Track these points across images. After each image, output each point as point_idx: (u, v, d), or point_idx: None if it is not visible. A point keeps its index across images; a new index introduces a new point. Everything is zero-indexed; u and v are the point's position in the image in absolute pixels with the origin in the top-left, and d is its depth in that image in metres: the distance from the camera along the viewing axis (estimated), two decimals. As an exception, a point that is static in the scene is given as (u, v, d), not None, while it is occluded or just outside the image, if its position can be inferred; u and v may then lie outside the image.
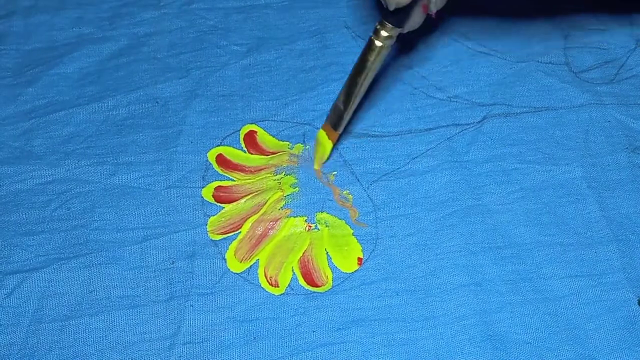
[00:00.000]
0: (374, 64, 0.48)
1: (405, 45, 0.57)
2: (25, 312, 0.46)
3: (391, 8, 0.44)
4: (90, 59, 0.57)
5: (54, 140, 0.53)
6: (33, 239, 0.49)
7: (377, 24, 0.47)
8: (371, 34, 0.47)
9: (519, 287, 0.47)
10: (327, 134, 0.51)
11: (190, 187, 0.51)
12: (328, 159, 0.52)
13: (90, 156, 0.52)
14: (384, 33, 0.46)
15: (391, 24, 0.46)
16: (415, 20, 0.47)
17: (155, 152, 0.52)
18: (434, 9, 0.48)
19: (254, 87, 0.55)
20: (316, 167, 0.52)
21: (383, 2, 0.45)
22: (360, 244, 0.49)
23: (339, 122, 0.50)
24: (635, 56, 0.56)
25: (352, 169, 0.52)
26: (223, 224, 0.50)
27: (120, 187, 0.51)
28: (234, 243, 0.49)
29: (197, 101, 0.55)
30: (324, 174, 0.52)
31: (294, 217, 0.50)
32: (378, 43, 0.47)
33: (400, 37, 0.48)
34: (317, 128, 0.53)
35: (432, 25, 0.50)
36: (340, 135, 0.52)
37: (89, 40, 0.58)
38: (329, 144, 0.51)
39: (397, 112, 0.54)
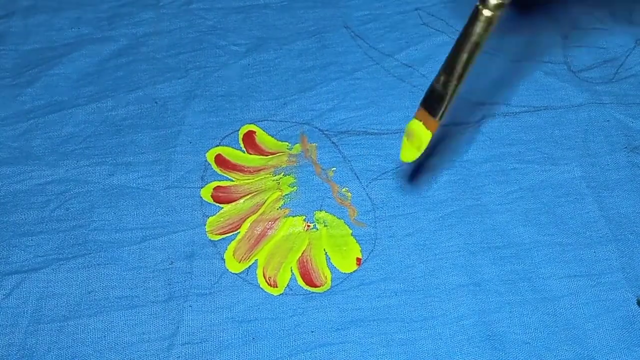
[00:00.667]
0: (481, 38, 0.39)
1: (404, 44, 0.57)
2: (24, 313, 0.46)
3: None
4: (89, 60, 0.57)
5: (52, 140, 0.53)
6: (32, 240, 0.49)
7: None
8: (477, 1, 0.38)
9: (517, 287, 0.47)
10: (423, 122, 0.42)
11: (189, 188, 0.51)
12: (424, 152, 0.43)
13: (89, 156, 0.52)
14: (492, 0, 0.38)
15: None
16: None
17: (154, 153, 0.52)
18: None
19: (253, 87, 0.55)
20: (410, 159, 0.43)
21: None
22: (359, 244, 0.49)
23: (438, 106, 0.41)
24: (634, 56, 0.56)
25: (351, 165, 0.52)
26: (222, 224, 0.49)
27: (119, 188, 0.51)
28: (233, 243, 0.49)
29: (196, 101, 0.55)
30: (323, 170, 0.52)
31: (293, 216, 0.50)
32: (487, 12, 0.38)
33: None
34: (316, 127, 0.53)
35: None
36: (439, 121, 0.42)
37: (88, 40, 0.58)
38: (426, 134, 0.42)
39: (396, 110, 0.54)
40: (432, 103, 0.42)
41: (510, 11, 0.58)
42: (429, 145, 0.42)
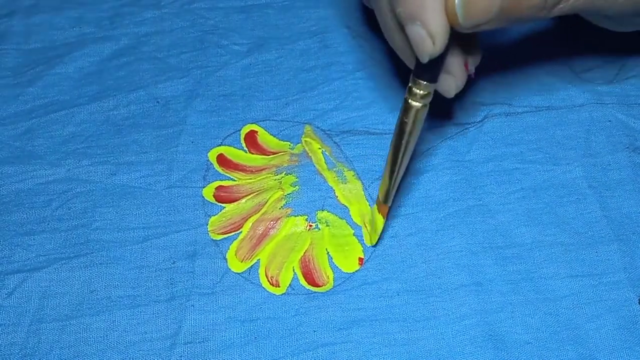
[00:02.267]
0: (413, 127, 0.42)
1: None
2: (26, 312, 0.46)
3: (424, 60, 0.38)
4: (91, 59, 0.57)
5: (54, 140, 0.53)
6: (34, 239, 0.49)
7: (410, 82, 0.41)
8: (405, 94, 0.41)
9: (519, 287, 0.47)
10: (378, 208, 0.47)
11: (191, 187, 0.51)
12: (381, 235, 0.49)
13: (91, 156, 0.52)
14: (419, 92, 0.40)
15: (425, 81, 0.40)
16: (457, 74, 0.43)
17: (156, 152, 0.52)
18: (472, 69, 0.44)
19: (254, 87, 0.55)
20: (370, 243, 0.49)
21: (412, 56, 0.40)
22: (361, 243, 0.49)
23: (387, 195, 0.46)
24: (635, 56, 0.56)
25: (352, 165, 0.52)
26: (224, 224, 0.50)
27: (121, 187, 0.51)
28: (235, 243, 0.49)
29: (198, 101, 0.55)
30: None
31: (295, 216, 0.50)
32: (415, 104, 0.41)
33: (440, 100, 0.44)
34: (318, 127, 0.53)
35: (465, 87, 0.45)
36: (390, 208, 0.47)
37: (90, 39, 0.58)
38: (379, 219, 0.47)
39: (398, 110, 0.54)
40: (382, 192, 0.46)
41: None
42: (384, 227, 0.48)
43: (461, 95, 0.53)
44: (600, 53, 0.56)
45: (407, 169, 0.50)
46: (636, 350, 0.45)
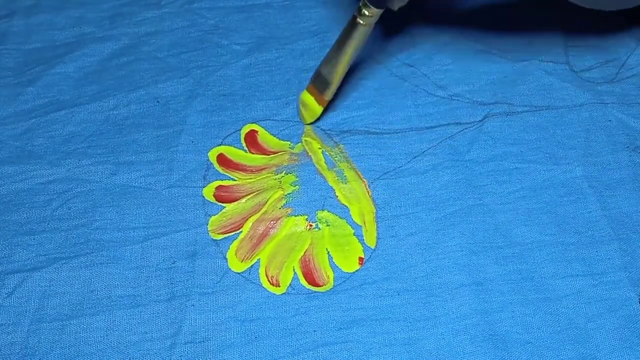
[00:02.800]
0: (357, 41, 0.49)
1: (406, 44, 0.57)
2: (26, 312, 0.46)
3: None
4: (91, 59, 0.57)
5: (54, 139, 0.53)
6: (34, 239, 0.49)
7: (359, 2, 0.48)
8: (354, 12, 0.48)
9: (520, 287, 0.47)
10: (314, 97, 0.52)
11: (191, 187, 0.51)
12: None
13: (91, 155, 0.52)
14: (365, 12, 0.48)
15: (372, 5, 0.47)
16: None
17: (156, 152, 0.52)
18: None
19: (255, 87, 0.55)
20: (308, 122, 0.54)
21: None
22: (362, 243, 0.49)
23: (326, 89, 0.52)
24: (635, 55, 0.56)
25: (353, 164, 0.52)
26: (224, 224, 0.50)
27: (121, 187, 0.51)
28: (235, 242, 0.49)
29: (198, 100, 0.55)
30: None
31: (295, 216, 0.50)
32: (360, 21, 0.48)
33: (399, 27, 0.50)
34: (318, 127, 0.53)
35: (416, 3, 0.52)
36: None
37: (90, 39, 0.58)
38: (318, 108, 0.53)
39: (398, 110, 0.54)
40: (319, 84, 0.52)
41: (511, 11, 0.58)
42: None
43: (461, 93, 0.53)
44: (600, 50, 0.56)
45: (408, 167, 0.50)
46: (636, 349, 0.45)
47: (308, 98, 0.52)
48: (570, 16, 0.58)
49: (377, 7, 0.47)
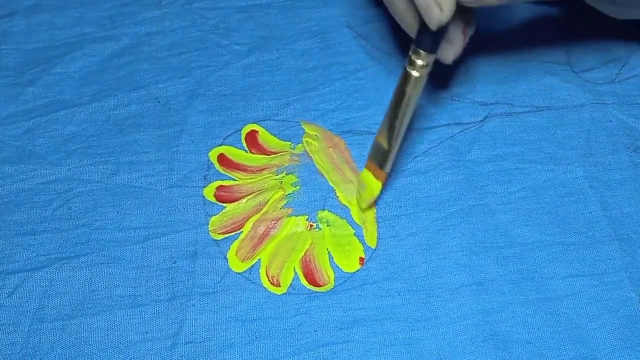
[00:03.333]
0: (412, 96, 0.44)
1: (407, 44, 0.57)
2: (26, 312, 0.46)
3: (433, 27, 0.40)
4: (92, 59, 0.57)
5: (55, 139, 0.53)
6: (34, 239, 0.49)
7: (410, 52, 0.43)
8: (406, 64, 0.43)
9: (520, 287, 0.47)
10: (373, 173, 0.48)
11: (191, 187, 0.51)
12: (377, 200, 0.50)
13: (91, 155, 0.52)
14: (419, 62, 0.43)
15: (426, 51, 0.42)
16: (455, 43, 0.45)
17: (156, 152, 0.52)
18: (470, 32, 0.46)
19: (255, 87, 0.55)
20: (364, 207, 0.50)
21: (416, 22, 0.42)
22: (362, 243, 0.49)
23: (385, 160, 0.47)
24: (636, 56, 0.56)
25: (353, 165, 0.52)
26: (225, 224, 0.50)
27: (122, 187, 0.51)
28: (236, 242, 0.49)
29: (199, 101, 0.55)
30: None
31: (295, 216, 0.50)
32: (415, 73, 0.43)
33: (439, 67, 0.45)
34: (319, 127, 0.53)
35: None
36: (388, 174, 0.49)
37: (91, 39, 0.58)
38: (377, 185, 0.48)
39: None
40: (378, 157, 0.47)
41: (512, 11, 0.58)
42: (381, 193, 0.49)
43: (461, 94, 0.53)
44: (601, 50, 0.56)
45: (408, 168, 0.50)
46: (637, 349, 0.45)
47: (366, 176, 0.48)
48: (571, 16, 0.58)
49: (430, 51, 0.42)
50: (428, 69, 0.43)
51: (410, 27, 0.45)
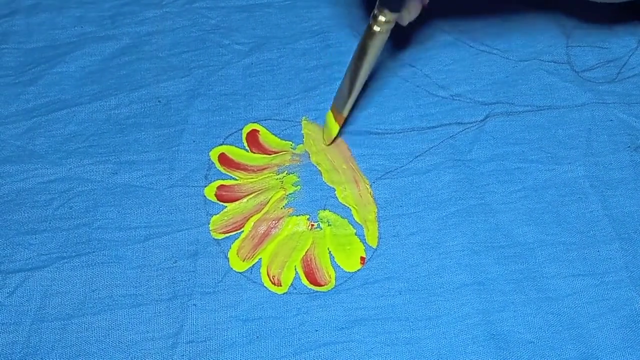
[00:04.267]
0: (373, 49, 0.47)
1: (407, 43, 0.57)
2: (27, 311, 0.46)
3: None
4: (92, 58, 0.57)
5: (56, 139, 0.53)
6: (35, 238, 0.49)
7: (374, 9, 0.46)
8: (370, 21, 0.46)
9: (521, 286, 0.47)
10: (334, 116, 0.51)
11: (192, 186, 0.51)
12: (335, 139, 0.52)
13: (92, 155, 0.52)
14: (381, 18, 0.46)
15: (388, 9, 0.46)
16: (412, 10, 0.48)
17: (157, 151, 0.52)
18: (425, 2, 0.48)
19: (256, 86, 0.55)
20: (324, 144, 0.53)
21: None
22: (363, 243, 0.49)
23: (344, 105, 0.50)
24: (637, 55, 0.56)
25: (354, 165, 0.52)
26: (225, 223, 0.50)
27: (123, 186, 0.51)
28: (237, 242, 0.49)
29: (200, 100, 0.55)
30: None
31: (296, 215, 0.50)
32: (376, 28, 0.46)
33: (400, 30, 0.48)
34: (320, 127, 0.53)
35: (423, 17, 0.50)
36: (346, 120, 0.52)
37: (91, 39, 0.58)
38: (335, 126, 0.51)
39: (399, 110, 0.54)
40: (340, 101, 0.50)
41: (512, 11, 0.58)
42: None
43: (462, 93, 0.53)
44: (601, 49, 0.56)
45: (409, 167, 0.50)
46: (638, 349, 0.45)
47: (329, 117, 0.52)
48: (571, 16, 0.58)
49: (393, 10, 0.46)
50: (389, 26, 0.46)
51: None
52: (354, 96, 0.50)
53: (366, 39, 0.47)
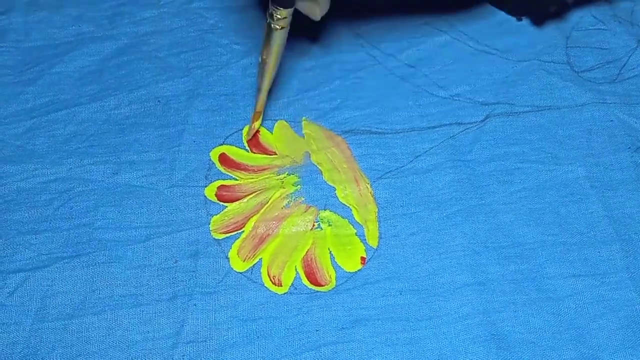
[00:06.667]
0: (276, 46, 0.49)
1: (407, 44, 0.57)
2: (28, 311, 0.46)
3: None
4: (91, 58, 0.57)
5: (56, 139, 0.53)
6: (36, 238, 0.49)
7: (269, 9, 0.48)
8: (267, 19, 0.48)
9: (522, 287, 0.47)
10: (254, 115, 0.53)
11: (193, 186, 0.51)
12: (253, 136, 0.53)
13: (92, 155, 0.52)
14: (277, 15, 0.48)
15: (281, 6, 0.47)
16: (322, 2, 0.49)
17: (157, 151, 0.52)
18: None
19: (255, 87, 0.55)
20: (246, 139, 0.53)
21: None
22: (364, 243, 0.49)
23: (256, 102, 0.52)
24: (636, 56, 0.56)
25: (354, 164, 0.52)
26: (226, 223, 0.49)
27: (123, 186, 0.51)
28: (237, 242, 0.49)
29: (199, 100, 0.55)
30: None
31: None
32: (275, 26, 0.48)
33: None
34: (320, 126, 0.53)
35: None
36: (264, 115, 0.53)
37: (89, 39, 0.58)
38: (257, 123, 0.53)
39: (400, 110, 0.54)
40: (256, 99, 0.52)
41: (510, 9, 0.58)
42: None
43: (462, 93, 0.53)
44: (601, 50, 0.57)
45: (410, 167, 0.50)
46: (638, 349, 0.45)
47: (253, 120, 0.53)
48: (570, 16, 0.58)
49: (285, 7, 0.48)
50: (287, 20, 0.49)
51: None
52: (265, 92, 0.52)
53: (267, 37, 0.50)
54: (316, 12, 0.50)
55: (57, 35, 0.58)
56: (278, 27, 0.48)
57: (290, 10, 0.48)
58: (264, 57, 0.50)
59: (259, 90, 0.51)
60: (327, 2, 0.49)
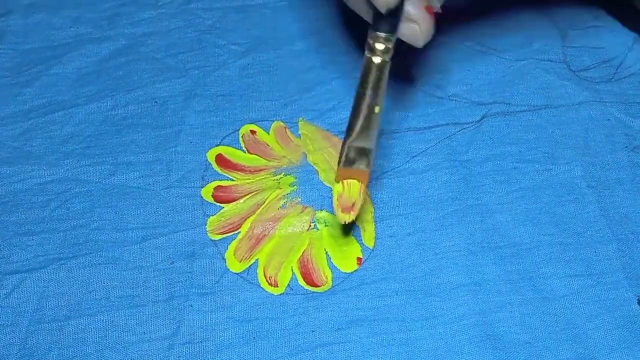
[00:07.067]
0: (378, 86, 0.41)
1: (404, 44, 0.57)
2: (24, 312, 0.46)
3: (382, 10, 0.38)
4: (89, 59, 0.57)
5: (53, 140, 0.53)
6: (32, 239, 0.49)
7: (368, 38, 0.40)
8: (365, 52, 0.41)
9: (518, 287, 0.47)
10: (356, 178, 0.44)
11: (189, 187, 0.51)
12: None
13: (89, 156, 0.52)
14: (379, 46, 0.40)
15: (385, 32, 0.39)
16: (422, 24, 0.40)
17: (154, 152, 0.52)
18: (437, 4, 0.41)
19: (252, 87, 0.55)
20: (349, 219, 0.45)
21: (370, 8, 0.39)
22: (360, 243, 0.49)
23: (366, 158, 0.43)
24: (633, 54, 0.56)
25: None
26: (222, 224, 0.49)
27: (120, 187, 0.51)
28: (234, 243, 0.49)
29: (196, 101, 0.55)
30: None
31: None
32: (376, 59, 0.40)
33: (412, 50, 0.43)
34: (317, 126, 0.53)
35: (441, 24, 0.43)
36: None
37: (88, 40, 0.58)
38: (358, 187, 0.44)
39: (395, 110, 0.54)
40: (356, 158, 0.43)
41: (509, 10, 0.58)
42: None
43: (458, 93, 0.53)
44: (597, 48, 0.57)
45: (406, 167, 0.50)
46: (635, 349, 0.45)
47: (344, 184, 0.44)
48: (567, 15, 0.58)
49: (391, 31, 0.40)
50: (390, 53, 0.40)
51: (367, 12, 0.41)
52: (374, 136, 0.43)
53: (367, 76, 0.41)
54: (417, 35, 0.41)
55: (55, 37, 0.58)
56: (380, 60, 0.40)
57: (393, 39, 0.40)
58: (362, 103, 0.42)
59: (365, 149, 0.43)
60: (427, 22, 0.40)
